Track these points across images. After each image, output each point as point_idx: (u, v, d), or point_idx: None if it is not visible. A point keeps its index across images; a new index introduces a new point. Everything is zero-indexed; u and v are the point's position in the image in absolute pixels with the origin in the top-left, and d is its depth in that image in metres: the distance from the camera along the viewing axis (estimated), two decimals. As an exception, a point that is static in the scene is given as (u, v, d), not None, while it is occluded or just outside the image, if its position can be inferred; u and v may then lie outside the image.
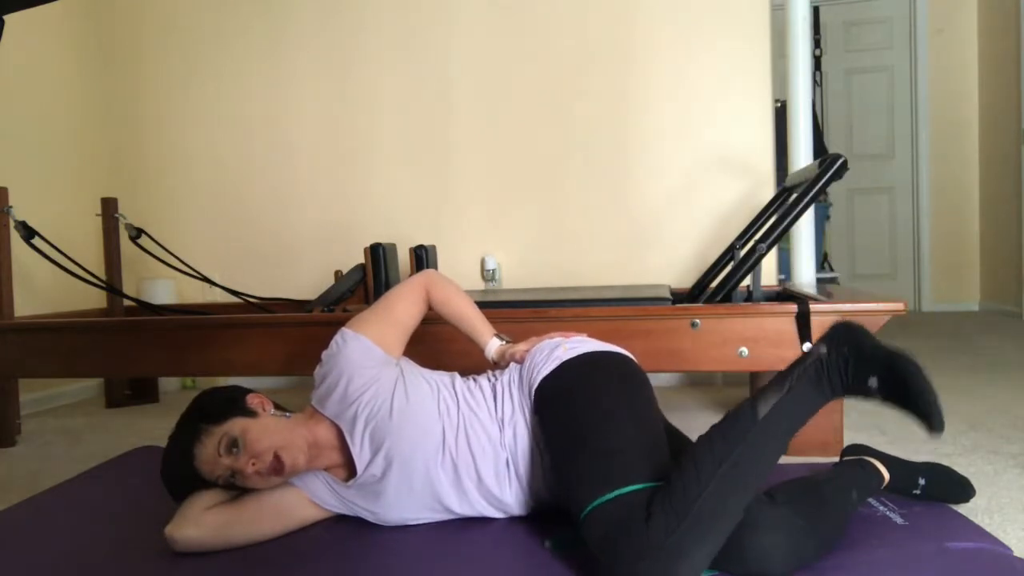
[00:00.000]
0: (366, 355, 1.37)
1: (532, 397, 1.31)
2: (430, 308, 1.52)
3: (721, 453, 1.07)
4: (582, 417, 1.21)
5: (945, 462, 1.52)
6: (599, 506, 1.07)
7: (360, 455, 1.31)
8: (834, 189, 5.17)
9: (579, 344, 1.36)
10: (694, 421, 1.50)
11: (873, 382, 1.12)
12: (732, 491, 1.04)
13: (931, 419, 1.08)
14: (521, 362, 1.39)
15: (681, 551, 0.99)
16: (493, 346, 1.46)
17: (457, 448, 1.30)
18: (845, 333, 1.18)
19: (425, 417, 1.31)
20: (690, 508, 1.01)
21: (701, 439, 1.12)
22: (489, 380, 1.41)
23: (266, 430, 1.26)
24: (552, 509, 1.37)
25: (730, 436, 1.10)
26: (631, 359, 1.38)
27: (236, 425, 1.25)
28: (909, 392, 1.09)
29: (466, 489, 1.31)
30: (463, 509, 1.33)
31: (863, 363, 1.14)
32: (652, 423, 1.23)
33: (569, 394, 1.26)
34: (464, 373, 1.46)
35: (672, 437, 1.39)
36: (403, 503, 1.32)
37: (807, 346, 1.84)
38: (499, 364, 1.46)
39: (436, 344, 1.90)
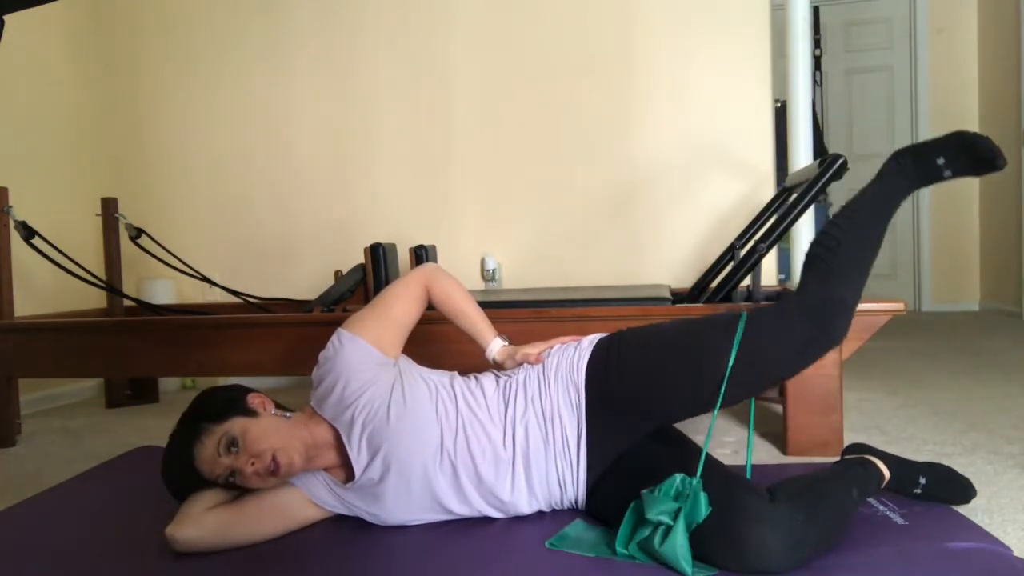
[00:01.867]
0: (363, 357, 1.36)
1: (581, 382, 1.32)
2: (430, 306, 1.51)
3: (846, 228, 1.37)
4: (661, 334, 1.36)
5: (945, 462, 1.52)
6: (744, 327, 1.25)
7: (358, 458, 1.31)
8: (834, 189, 5.17)
9: (593, 335, 1.43)
10: (693, 420, 1.50)
11: (940, 160, 1.38)
12: (862, 242, 1.35)
13: (995, 160, 1.33)
14: (536, 363, 1.39)
15: (842, 287, 1.29)
16: (496, 346, 1.45)
17: (456, 450, 1.30)
18: (907, 150, 1.44)
19: (423, 420, 1.30)
20: (836, 259, 1.32)
21: (827, 242, 1.36)
22: (496, 380, 1.40)
23: (265, 430, 1.26)
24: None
25: (845, 221, 1.39)
26: None
27: (236, 425, 1.25)
28: (969, 151, 1.35)
29: (466, 491, 1.31)
30: (463, 510, 1.33)
31: (927, 152, 1.40)
32: None
33: (628, 344, 1.35)
34: (464, 372, 1.45)
35: (675, 439, 1.39)
36: (402, 505, 1.32)
37: None
38: (502, 365, 1.44)
39: (436, 344, 1.90)
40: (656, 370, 1.31)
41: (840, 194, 5.35)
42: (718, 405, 1.26)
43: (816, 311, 1.28)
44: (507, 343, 1.47)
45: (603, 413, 1.31)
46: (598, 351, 1.37)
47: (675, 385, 1.30)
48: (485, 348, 1.46)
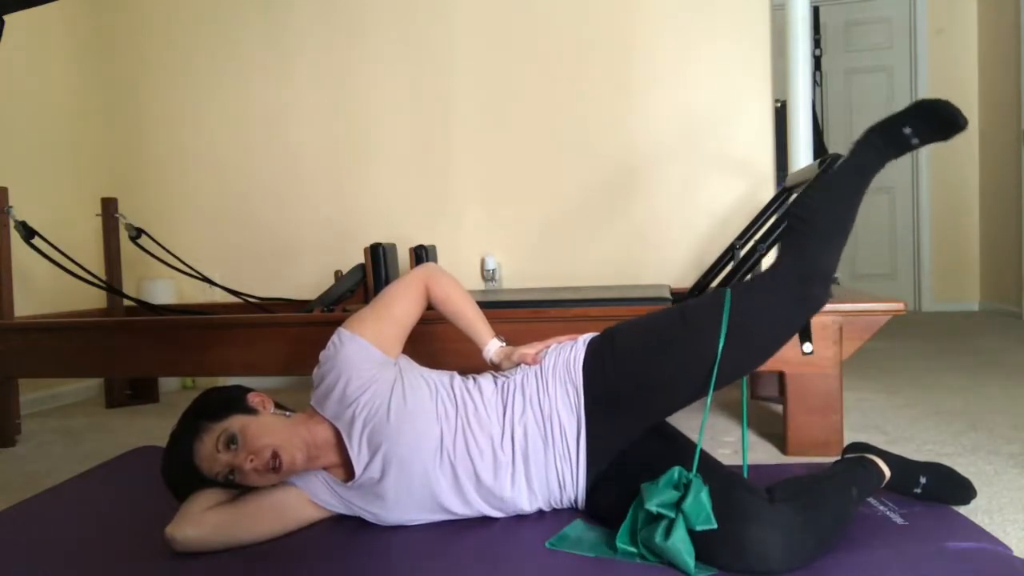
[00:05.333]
0: (364, 356, 1.37)
1: (579, 380, 1.33)
2: (429, 306, 1.51)
3: (822, 199, 1.39)
4: (652, 325, 1.37)
5: (945, 462, 1.52)
6: (733, 302, 1.28)
7: (358, 457, 1.31)
8: (834, 189, 5.16)
9: (587, 334, 1.43)
10: (693, 421, 1.50)
11: (907, 130, 1.37)
12: (839, 211, 1.36)
13: (956, 120, 1.32)
14: (534, 364, 1.39)
15: (825, 272, 1.31)
16: (493, 347, 1.46)
17: (455, 450, 1.30)
18: (875, 127, 1.42)
19: (423, 420, 1.31)
20: (813, 229, 1.33)
21: (801, 213, 1.38)
22: (494, 381, 1.40)
23: (265, 428, 1.27)
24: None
25: (821, 192, 1.42)
26: None
27: (236, 422, 1.26)
28: (931, 116, 1.35)
29: (465, 491, 1.31)
30: (463, 510, 1.33)
31: (894, 124, 1.39)
32: None
33: (623, 339, 1.37)
34: (463, 373, 1.46)
35: (673, 438, 1.39)
36: (402, 505, 1.32)
37: (807, 347, 1.85)
38: (499, 366, 1.45)
39: (435, 343, 1.90)
40: (650, 356, 1.32)
41: (840, 194, 5.35)
42: (712, 386, 1.27)
43: (797, 280, 1.30)
44: (504, 344, 1.47)
45: (603, 409, 1.31)
46: (593, 348, 1.37)
47: (671, 368, 1.31)
48: (482, 349, 1.47)
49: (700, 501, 1.11)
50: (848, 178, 1.41)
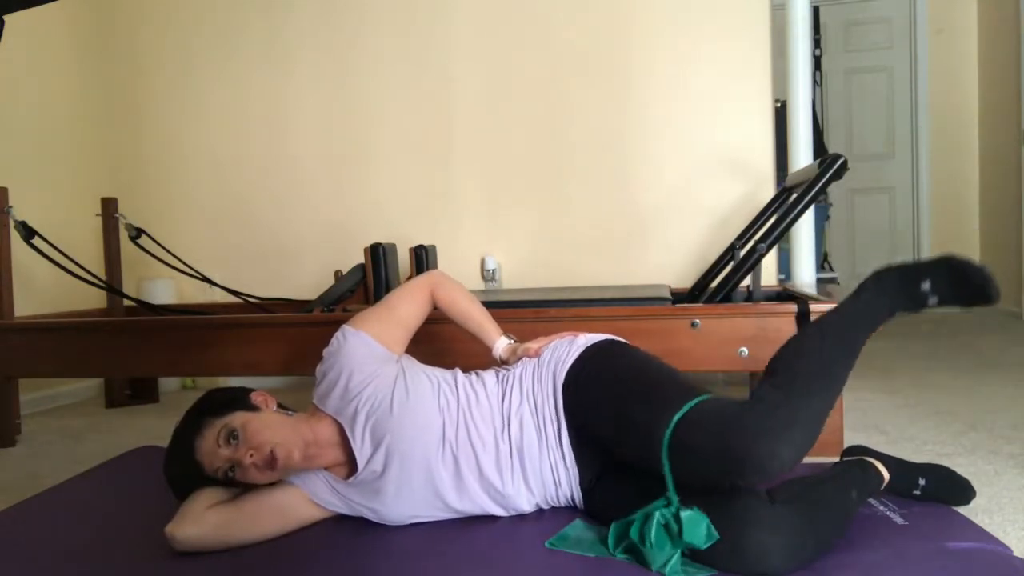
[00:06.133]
0: (367, 351, 1.38)
1: (560, 382, 1.33)
2: (435, 308, 1.53)
3: (811, 346, 1.21)
4: (625, 373, 1.29)
5: (945, 462, 1.52)
6: (682, 419, 1.13)
7: (361, 450, 1.32)
8: (834, 189, 5.17)
9: (593, 336, 1.42)
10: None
11: (926, 285, 1.24)
12: (822, 387, 1.15)
13: (987, 291, 1.20)
14: (535, 357, 1.40)
15: (781, 430, 1.06)
16: (501, 345, 1.48)
17: (457, 442, 1.31)
18: (890, 269, 1.31)
19: (425, 412, 1.32)
20: (793, 381, 1.14)
21: (784, 355, 1.23)
22: (496, 374, 1.42)
23: (266, 424, 1.27)
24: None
25: (807, 349, 1.22)
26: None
27: (237, 418, 1.27)
28: (958, 278, 1.22)
29: (467, 483, 1.32)
30: (464, 505, 1.33)
31: (912, 274, 1.26)
32: (678, 372, 1.32)
33: (604, 365, 1.33)
34: (467, 371, 1.46)
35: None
36: (404, 500, 1.32)
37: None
38: (507, 362, 1.47)
39: (440, 343, 1.90)
40: (607, 405, 1.26)
41: (840, 194, 5.36)
42: (667, 470, 1.14)
43: (747, 434, 1.06)
44: (512, 341, 1.49)
45: (578, 416, 1.31)
46: (587, 354, 1.36)
47: (618, 429, 1.23)
48: (492, 347, 1.49)
49: (697, 529, 1.09)
50: (846, 325, 1.24)
